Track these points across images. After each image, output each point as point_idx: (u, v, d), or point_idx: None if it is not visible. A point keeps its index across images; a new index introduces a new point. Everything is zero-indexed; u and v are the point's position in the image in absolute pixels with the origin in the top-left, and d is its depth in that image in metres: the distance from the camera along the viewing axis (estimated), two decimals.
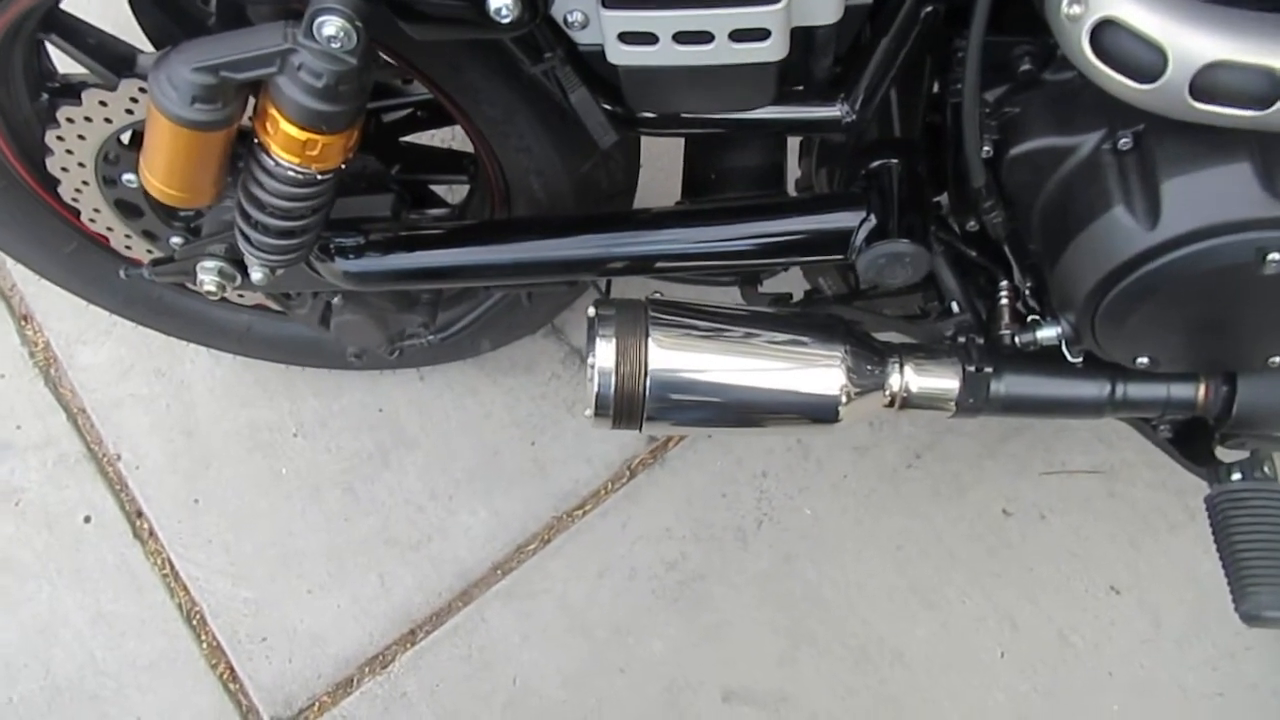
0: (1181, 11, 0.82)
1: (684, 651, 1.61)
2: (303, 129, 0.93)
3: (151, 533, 1.69)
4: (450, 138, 1.76)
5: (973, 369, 1.13)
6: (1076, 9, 0.84)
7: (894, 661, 1.59)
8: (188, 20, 1.17)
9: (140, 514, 1.71)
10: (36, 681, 1.61)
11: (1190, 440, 1.20)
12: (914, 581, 1.63)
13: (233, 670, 1.62)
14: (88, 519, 1.70)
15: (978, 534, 1.65)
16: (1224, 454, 1.17)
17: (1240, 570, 1.09)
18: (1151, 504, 1.65)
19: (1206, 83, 0.83)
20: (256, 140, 0.97)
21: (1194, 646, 1.57)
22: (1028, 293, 1.14)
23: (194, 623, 1.65)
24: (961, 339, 1.17)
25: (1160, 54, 0.83)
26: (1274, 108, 0.82)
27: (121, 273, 1.38)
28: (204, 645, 1.64)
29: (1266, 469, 1.12)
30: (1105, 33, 0.84)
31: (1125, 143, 0.94)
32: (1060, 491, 1.67)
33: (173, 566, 1.68)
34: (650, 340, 1.08)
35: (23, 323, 1.82)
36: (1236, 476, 1.13)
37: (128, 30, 1.21)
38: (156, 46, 1.21)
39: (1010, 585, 1.62)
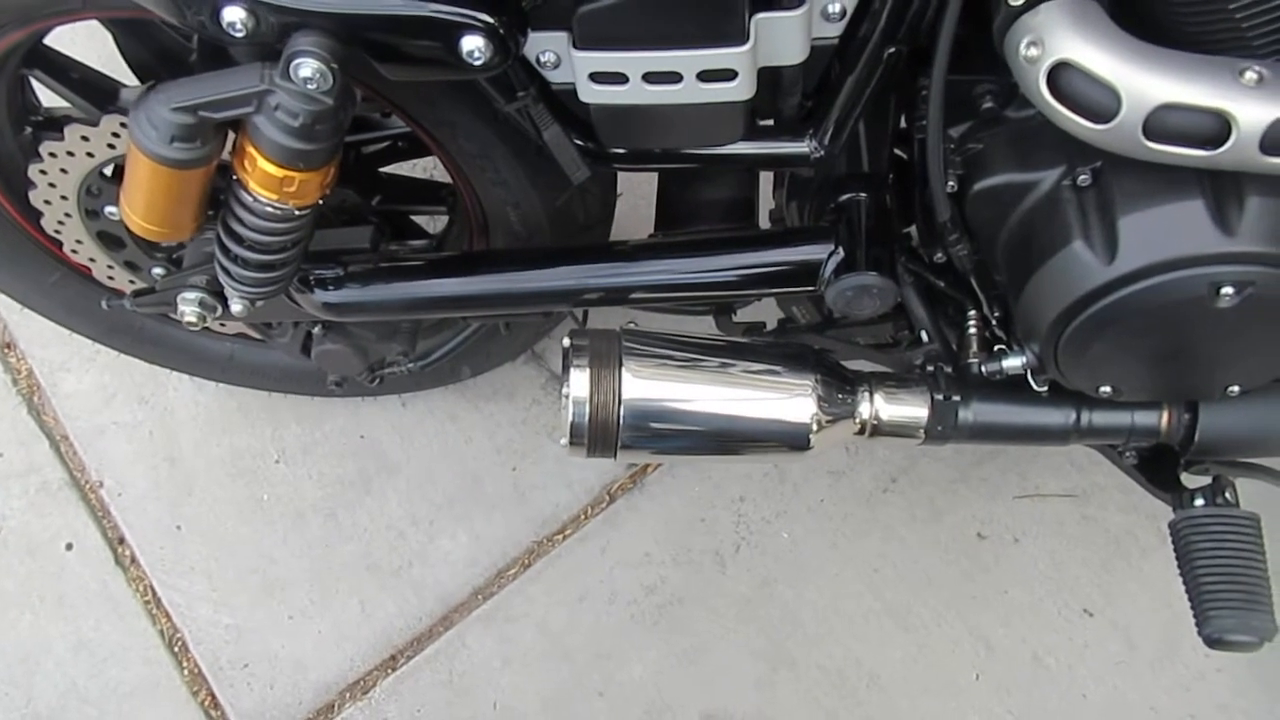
0: (1134, 55, 0.85)
1: (663, 675, 1.62)
2: (280, 167, 0.95)
3: (133, 560, 1.70)
4: (431, 167, 1.78)
5: (941, 397, 1.15)
6: (1034, 51, 0.87)
7: (870, 684, 1.60)
8: (171, 56, 1.20)
9: (122, 541, 1.71)
10: (18, 710, 1.61)
11: (1155, 466, 1.22)
12: (890, 604, 1.64)
13: (214, 698, 1.63)
14: (69, 546, 1.71)
15: (953, 557, 1.67)
16: (1188, 480, 1.19)
17: (1203, 594, 1.10)
18: (1124, 527, 1.67)
19: (1159, 123, 0.85)
20: (235, 176, 0.99)
21: (1166, 668, 1.59)
22: (994, 323, 1.16)
23: (175, 650, 1.65)
24: (930, 368, 1.18)
25: (1114, 95, 0.85)
26: (1223, 148, 0.84)
27: (104, 303, 1.39)
28: (185, 672, 1.64)
29: (1228, 494, 1.14)
30: (1061, 74, 0.87)
31: (1084, 179, 0.96)
32: (1034, 515, 1.69)
33: (154, 593, 1.68)
34: (624, 370, 1.09)
35: (5, 351, 1.83)
36: (1199, 502, 1.14)
37: (112, 64, 1.23)
38: (141, 81, 1.23)
39: (985, 608, 1.64)
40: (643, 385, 1.10)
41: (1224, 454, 1.16)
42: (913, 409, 1.16)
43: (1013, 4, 0.88)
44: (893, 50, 0.97)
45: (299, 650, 1.65)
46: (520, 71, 0.97)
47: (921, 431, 1.17)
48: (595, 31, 0.92)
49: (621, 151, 1.07)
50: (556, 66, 0.96)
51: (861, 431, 1.16)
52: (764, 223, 1.32)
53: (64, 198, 1.25)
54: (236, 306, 1.23)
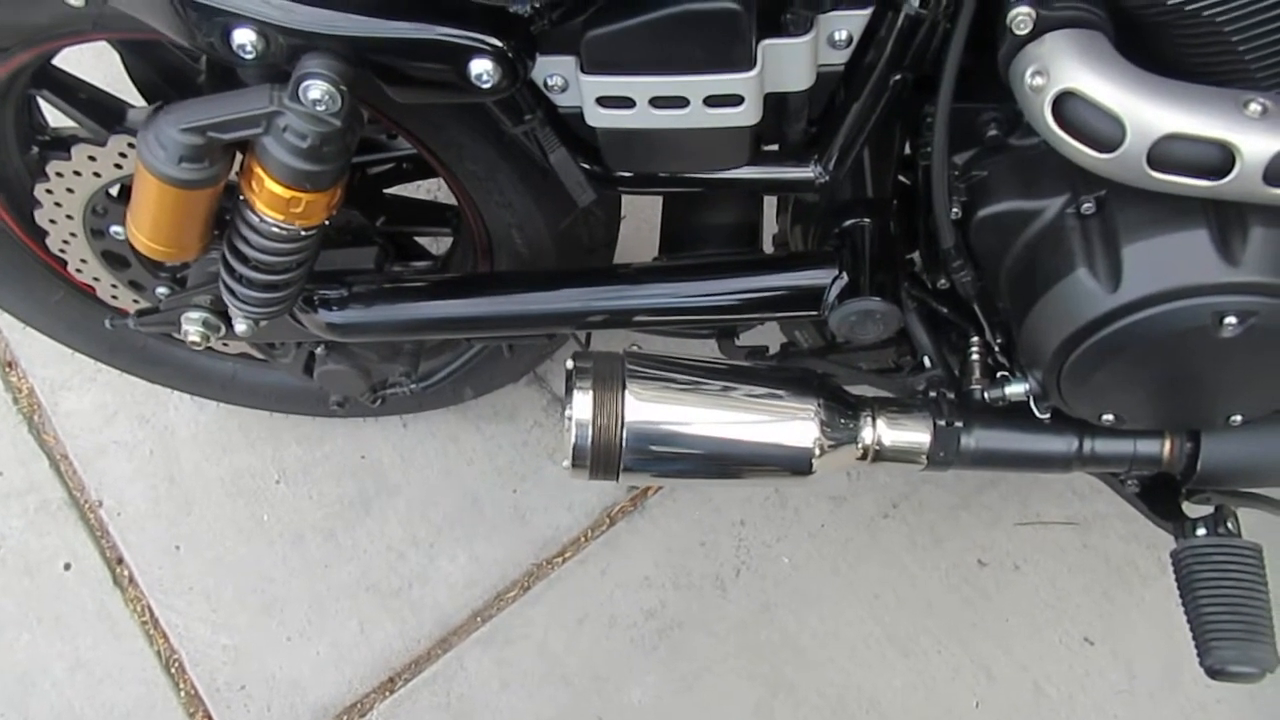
0: (1139, 85, 0.86)
1: (662, 699, 1.61)
2: (287, 188, 0.95)
3: (131, 580, 1.70)
4: (435, 188, 1.79)
5: (943, 423, 1.15)
6: (1039, 80, 0.88)
7: (870, 711, 1.59)
8: (178, 77, 1.20)
9: (121, 561, 1.71)
10: None
11: (1157, 495, 1.22)
12: (891, 631, 1.64)
13: (211, 719, 1.62)
14: (68, 566, 1.70)
15: (953, 584, 1.66)
16: (1190, 509, 1.19)
17: (1204, 625, 1.10)
18: (1125, 556, 1.67)
19: (1163, 153, 0.86)
20: (242, 197, 0.99)
21: (1167, 698, 1.59)
22: (997, 349, 1.16)
23: (172, 671, 1.65)
24: (933, 394, 1.18)
25: (1119, 125, 0.86)
26: (1227, 178, 0.85)
27: (107, 322, 1.39)
28: (182, 694, 1.63)
29: (1230, 524, 1.14)
30: (1066, 103, 0.87)
31: (1088, 207, 0.96)
32: (1035, 542, 1.68)
33: (152, 613, 1.68)
34: (627, 393, 1.09)
35: (7, 369, 1.83)
36: (1201, 532, 1.14)
37: (119, 84, 1.24)
38: (148, 101, 1.23)
39: (985, 635, 1.63)
40: (646, 408, 1.10)
41: (1226, 484, 1.16)
42: (915, 434, 1.16)
43: (1018, 33, 0.88)
44: (898, 77, 0.98)
45: (297, 672, 1.64)
46: (527, 95, 0.98)
47: (924, 457, 1.16)
48: (603, 56, 0.92)
49: (627, 175, 1.08)
50: (564, 90, 0.97)
51: (864, 457, 1.16)
52: (768, 247, 1.32)
53: (69, 217, 1.25)
54: (241, 326, 1.23)
